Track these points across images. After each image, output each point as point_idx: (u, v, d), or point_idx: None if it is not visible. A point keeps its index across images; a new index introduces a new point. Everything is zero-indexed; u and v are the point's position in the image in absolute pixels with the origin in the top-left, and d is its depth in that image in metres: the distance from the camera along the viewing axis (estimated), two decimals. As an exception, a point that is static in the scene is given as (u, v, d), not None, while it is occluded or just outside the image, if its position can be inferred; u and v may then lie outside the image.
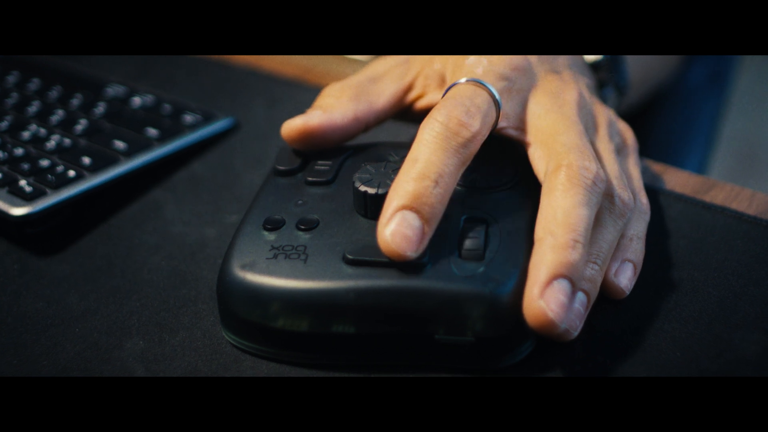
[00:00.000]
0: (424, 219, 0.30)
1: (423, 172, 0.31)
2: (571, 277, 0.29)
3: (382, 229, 0.30)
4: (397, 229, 0.30)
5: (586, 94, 0.38)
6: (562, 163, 0.32)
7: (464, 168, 0.32)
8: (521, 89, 0.36)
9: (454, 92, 0.33)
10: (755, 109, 1.63)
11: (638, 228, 0.35)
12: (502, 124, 0.35)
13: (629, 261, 0.34)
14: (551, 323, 0.29)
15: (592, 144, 0.36)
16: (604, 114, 0.38)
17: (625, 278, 0.33)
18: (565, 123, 0.34)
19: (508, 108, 0.35)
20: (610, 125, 0.38)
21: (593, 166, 0.32)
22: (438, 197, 0.31)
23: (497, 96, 0.34)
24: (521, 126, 0.35)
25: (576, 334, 0.30)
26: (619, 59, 0.43)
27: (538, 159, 0.34)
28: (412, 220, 0.30)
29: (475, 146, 0.32)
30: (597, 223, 0.33)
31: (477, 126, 0.32)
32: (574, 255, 0.29)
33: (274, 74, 0.55)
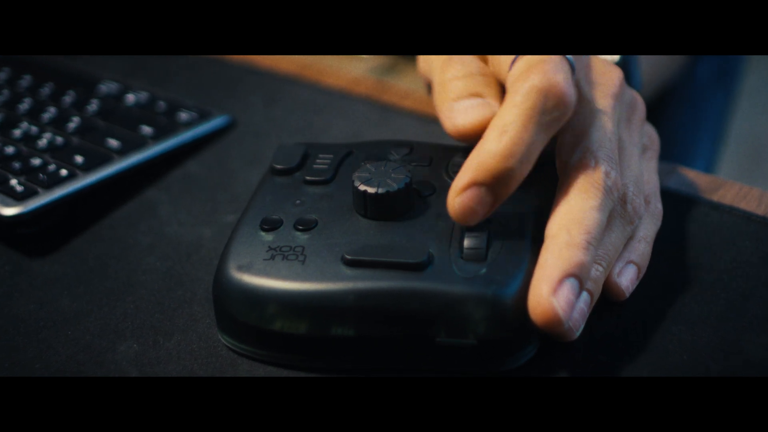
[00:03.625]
0: (498, 198, 0.30)
1: (511, 150, 0.29)
2: (581, 277, 0.29)
3: (454, 193, 0.30)
4: (467, 203, 0.30)
5: (625, 81, 0.37)
6: (589, 162, 0.32)
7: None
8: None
9: (545, 60, 0.31)
10: (764, 106, 1.63)
11: (648, 231, 0.35)
12: None
13: (633, 263, 0.33)
14: (559, 321, 0.28)
15: (621, 139, 0.35)
16: (641, 108, 0.37)
17: (627, 279, 0.33)
18: (599, 117, 0.33)
19: None
20: (643, 124, 0.37)
21: (614, 173, 0.32)
22: (519, 178, 0.30)
23: (572, 60, 0.32)
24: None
25: (578, 334, 0.30)
26: (632, 61, 0.43)
27: (562, 149, 0.33)
28: (485, 195, 0.30)
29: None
30: (606, 225, 0.33)
31: (573, 97, 0.30)
32: (587, 256, 0.29)
33: (270, 71, 0.55)
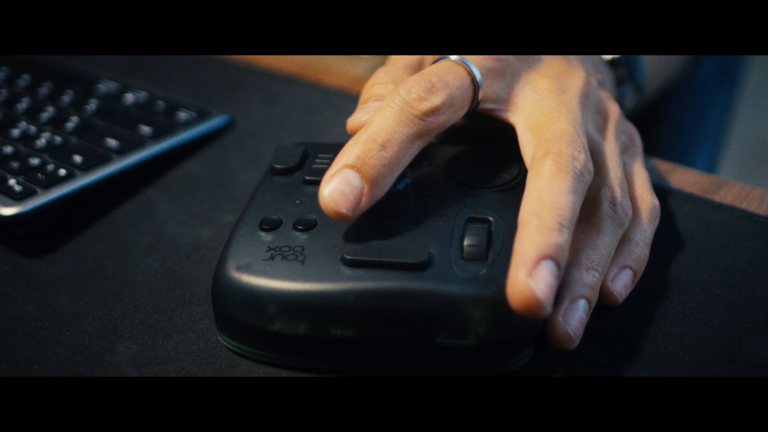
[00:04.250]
0: (366, 179, 0.31)
1: (370, 135, 0.31)
2: (557, 259, 0.29)
3: (323, 186, 0.31)
4: (336, 186, 0.31)
5: (594, 83, 0.37)
6: (552, 150, 0.32)
7: (421, 142, 0.32)
8: (517, 71, 0.35)
9: (428, 68, 0.34)
10: (766, 106, 1.63)
11: (646, 233, 0.34)
12: (489, 105, 0.35)
13: (629, 268, 0.33)
14: (539, 304, 0.28)
15: (596, 142, 0.35)
16: (613, 109, 0.37)
17: (621, 285, 0.33)
18: (559, 111, 0.34)
19: (499, 89, 0.35)
20: (619, 122, 0.37)
21: (583, 156, 0.32)
22: (383, 160, 0.31)
23: (477, 75, 0.34)
24: (513, 109, 0.35)
25: (578, 342, 0.30)
26: (636, 61, 0.43)
27: (526, 144, 0.34)
28: (353, 179, 0.31)
29: (436, 121, 0.32)
30: (597, 228, 0.33)
31: (437, 102, 0.32)
32: (561, 238, 0.29)
33: (270, 70, 0.54)
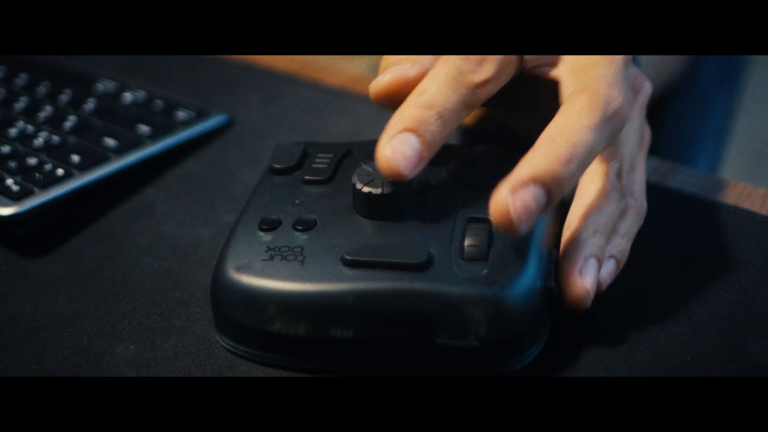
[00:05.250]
0: (425, 144, 0.31)
1: (429, 102, 0.31)
2: (551, 190, 0.28)
3: (382, 146, 0.31)
4: (397, 147, 0.31)
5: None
6: (590, 87, 0.31)
7: (469, 111, 0.32)
8: None
9: None
10: (769, 105, 1.62)
11: (631, 227, 0.34)
12: (535, 63, 0.34)
13: (614, 258, 0.33)
14: (510, 222, 0.28)
15: None
16: (646, 86, 0.37)
17: (606, 273, 0.33)
18: (606, 59, 0.33)
19: None
20: (643, 106, 0.37)
21: (620, 99, 0.30)
22: (440, 128, 0.31)
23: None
24: (559, 62, 0.34)
25: (591, 300, 0.31)
26: (634, 61, 0.43)
27: (566, 86, 0.33)
28: (414, 141, 0.31)
29: (485, 92, 0.32)
30: (603, 195, 0.33)
31: (489, 74, 0.32)
32: (565, 171, 0.28)
33: (269, 69, 0.54)
